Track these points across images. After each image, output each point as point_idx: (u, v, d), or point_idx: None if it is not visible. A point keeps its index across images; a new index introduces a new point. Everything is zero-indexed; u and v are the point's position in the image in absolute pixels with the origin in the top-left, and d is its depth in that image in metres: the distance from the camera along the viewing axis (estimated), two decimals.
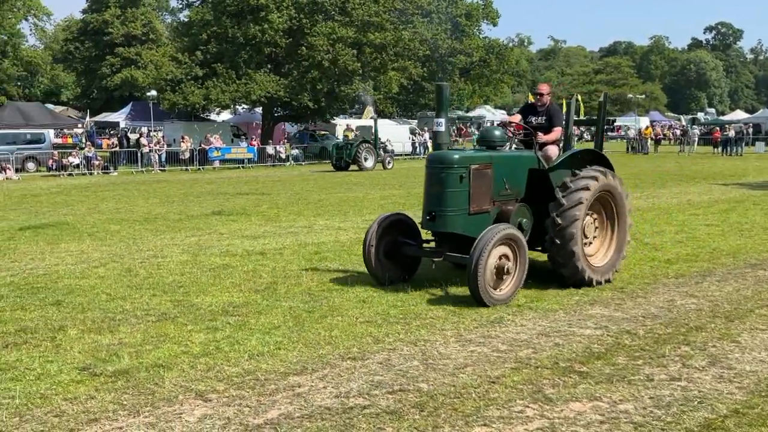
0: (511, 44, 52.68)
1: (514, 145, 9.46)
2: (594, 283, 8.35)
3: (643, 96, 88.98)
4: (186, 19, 45.31)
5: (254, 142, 40.43)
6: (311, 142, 44.33)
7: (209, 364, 5.71)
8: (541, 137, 8.89)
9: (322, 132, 46.70)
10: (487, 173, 8.18)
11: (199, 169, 35.42)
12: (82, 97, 66.70)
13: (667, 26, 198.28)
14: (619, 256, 8.90)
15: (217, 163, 36.59)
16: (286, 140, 43.75)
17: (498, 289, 7.63)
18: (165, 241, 12.10)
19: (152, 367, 5.61)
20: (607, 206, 8.87)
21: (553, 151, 8.89)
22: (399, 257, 8.65)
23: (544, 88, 9.37)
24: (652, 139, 50.00)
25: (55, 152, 34.03)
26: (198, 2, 45.44)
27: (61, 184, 26.61)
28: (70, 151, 34.87)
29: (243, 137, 43.87)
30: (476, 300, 7.47)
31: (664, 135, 60.05)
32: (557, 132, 9.03)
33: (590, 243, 8.71)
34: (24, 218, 15.63)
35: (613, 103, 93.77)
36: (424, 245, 8.72)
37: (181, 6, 50.86)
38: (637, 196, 18.93)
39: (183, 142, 36.96)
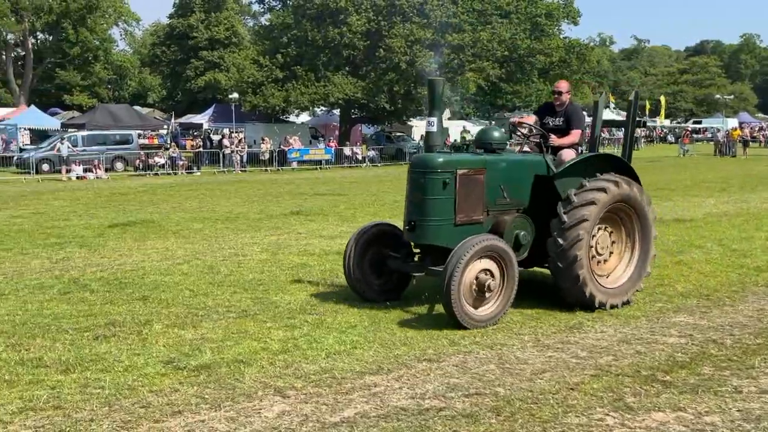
0: (592, 44, 51.51)
1: (527, 148, 8.44)
2: (597, 304, 7.37)
3: (732, 96, 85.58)
4: (267, 23, 46.27)
5: (332, 144, 40.94)
6: (387, 143, 44.51)
7: (287, 361, 5.82)
8: (554, 140, 8.00)
9: (398, 133, 46.79)
10: (478, 179, 7.33)
11: (278, 169, 36.10)
12: (167, 99, 68.99)
13: (759, 24, 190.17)
14: (641, 273, 7.84)
15: (295, 164, 37.22)
16: (362, 142, 44.11)
17: (479, 309, 6.83)
18: (245, 240, 12.38)
19: (233, 363, 5.75)
20: (627, 218, 7.83)
21: (568, 155, 7.93)
22: (384, 271, 7.87)
23: (562, 86, 8.46)
24: (740, 141, 48.01)
25: (142, 152, 35.30)
26: (279, 6, 46.35)
27: (147, 184, 27.60)
28: (155, 151, 36.12)
29: (321, 139, 44.48)
30: (451, 319, 6.71)
31: (754, 137, 57.58)
32: (575, 135, 8.13)
33: (605, 260, 7.75)
34: (113, 216, 16.28)
35: (699, 104, 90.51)
36: (414, 258, 7.84)
37: (262, 10, 51.89)
38: (725, 201, 18.22)
39: (263, 143, 37.77)
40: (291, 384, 5.32)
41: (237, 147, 37.02)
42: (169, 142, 42.47)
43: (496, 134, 7.82)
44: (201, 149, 39.07)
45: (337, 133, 45.61)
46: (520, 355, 6.06)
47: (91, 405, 4.89)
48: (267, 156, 36.78)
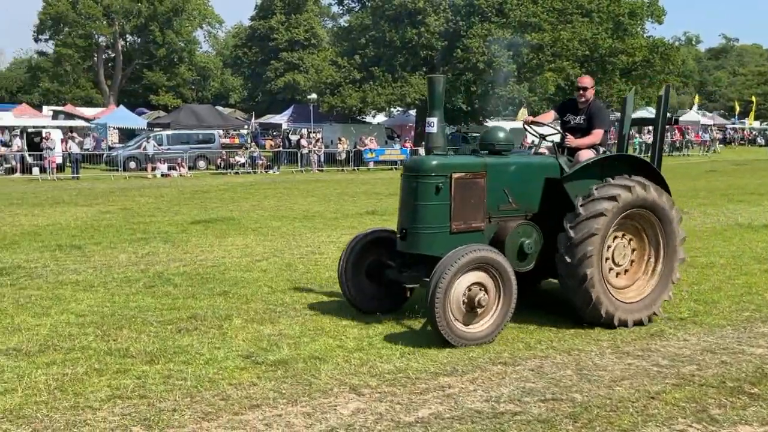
0: (677, 43, 49.88)
1: (544, 150, 7.77)
2: (616, 323, 6.74)
3: None
4: (346, 24, 46.76)
5: (407, 144, 41.02)
6: (463, 144, 44.30)
7: (363, 359, 5.87)
8: (571, 140, 7.44)
9: (475, 134, 46.48)
10: (477, 183, 6.78)
11: (354, 169, 36.43)
12: (248, 99, 70.59)
13: None
14: (661, 293, 7.10)
15: (371, 164, 37.48)
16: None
17: (470, 326, 6.28)
18: (322, 238, 12.55)
19: (309, 359, 5.84)
20: (648, 225, 7.13)
21: (587, 157, 7.28)
22: (383, 281, 7.33)
23: (586, 81, 7.78)
24: None
25: (224, 152, 36.24)
26: (358, 8, 46.76)
27: (228, 182, 28.31)
28: (236, 150, 37.01)
29: (396, 139, 44.64)
30: (437, 338, 6.18)
31: None
32: (596, 135, 7.47)
33: (621, 272, 7.12)
34: (195, 213, 16.78)
35: None
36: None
37: (341, 12, 52.54)
38: None
39: (340, 143, 38.20)
40: (366, 382, 5.37)
41: (314, 147, 37.54)
42: (249, 141, 43.45)
43: (501, 135, 7.25)
44: (280, 149, 39.77)
45: (412, 133, 45.68)
46: (599, 361, 5.94)
47: (174, 395, 5.06)
48: (343, 156, 37.17)
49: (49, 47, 66.79)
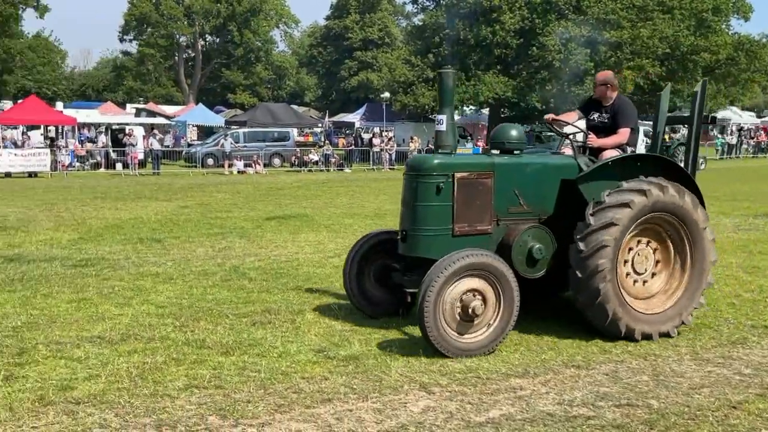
0: (765, 40, 47.82)
1: (566, 149, 7.31)
2: (638, 337, 6.32)
3: None
4: (420, 23, 46.77)
5: (479, 143, 40.71)
6: (536, 143, 43.69)
7: (433, 358, 5.86)
8: (594, 140, 7.03)
9: (549, 133, 45.79)
10: (483, 184, 6.44)
11: None
12: (322, 98, 71.51)
13: None
14: (690, 302, 6.60)
15: None
16: None
17: (465, 335, 5.91)
18: None
19: (380, 356, 5.88)
20: (674, 233, 6.64)
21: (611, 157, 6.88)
22: (390, 286, 7.05)
23: (603, 77, 7.35)
24: None
25: (298, 149, 36.82)
26: (432, 6, 46.70)
27: (301, 179, 28.73)
28: (310, 148, 37.55)
29: (469, 138, 44.38)
30: (428, 347, 5.85)
31: None
32: (621, 135, 7.05)
33: (644, 281, 6.63)
34: (270, 209, 17.10)
35: None
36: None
37: (416, 10, 52.56)
38: None
39: (412, 142, 38.25)
40: (436, 380, 5.37)
41: (386, 145, 37.70)
42: (323, 139, 43.98)
43: (513, 133, 6.84)
44: (352, 147, 40.11)
45: (485, 132, 45.33)
46: (677, 368, 5.76)
47: (248, 387, 5.17)
48: (415, 154, 37.24)
49: (132, 47, 69.27)
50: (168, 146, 36.48)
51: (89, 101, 59.93)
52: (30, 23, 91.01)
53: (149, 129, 38.07)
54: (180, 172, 32.02)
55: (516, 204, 6.60)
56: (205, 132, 44.49)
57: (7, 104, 50.42)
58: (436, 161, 6.45)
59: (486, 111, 46.12)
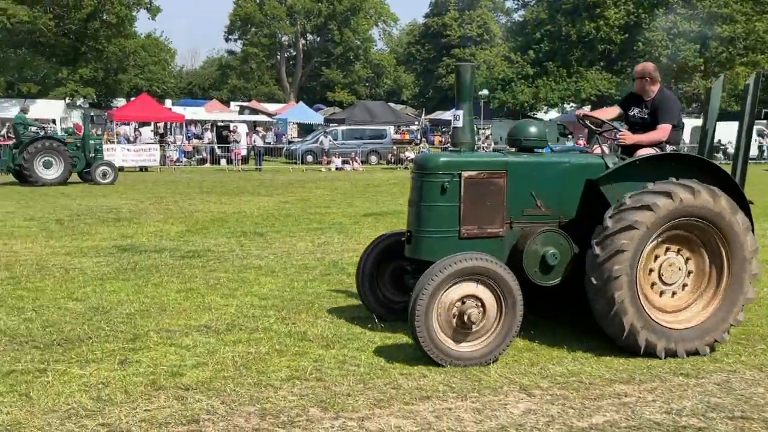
0: None
1: (603, 147, 6.77)
2: (661, 354, 5.75)
3: None
4: (520, 19, 46.12)
5: (580, 141, 39.73)
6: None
7: (533, 360, 5.77)
8: (626, 136, 6.57)
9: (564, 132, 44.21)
10: (494, 183, 6.04)
11: None
12: (419, 96, 71.66)
13: None
14: (726, 318, 5.96)
15: None
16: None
17: (462, 343, 5.59)
18: None
19: None
20: (709, 242, 6.01)
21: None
22: (403, 288, 6.69)
23: (641, 69, 6.79)
24: None
25: (394, 147, 37.05)
26: (533, 2, 45.95)
27: (397, 176, 28.87)
28: (406, 146, 37.71)
29: (569, 136, 43.38)
30: (422, 355, 5.54)
31: None
32: (660, 131, 6.51)
33: (673, 293, 6.05)
34: (367, 205, 17.28)
35: None
36: None
37: (516, 6, 51.88)
38: None
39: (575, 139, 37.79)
40: (536, 383, 5.27)
41: (484, 143, 37.35)
42: (419, 137, 44.05)
43: (532, 130, 6.39)
44: (448, 145, 39.97)
45: (586, 130, 44.22)
46: None
47: (348, 380, 5.24)
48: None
49: (237, 47, 71.49)
50: (270, 143, 37.46)
51: (196, 99, 62.35)
52: (142, 24, 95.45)
53: (252, 126, 39.21)
54: (281, 168, 32.83)
55: (532, 206, 6.17)
56: (305, 129, 45.47)
57: (121, 102, 53.16)
58: (441, 159, 6.14)
59: (588, 108, 45.01)
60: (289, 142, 40.26)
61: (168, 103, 48.19)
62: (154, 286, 8.18)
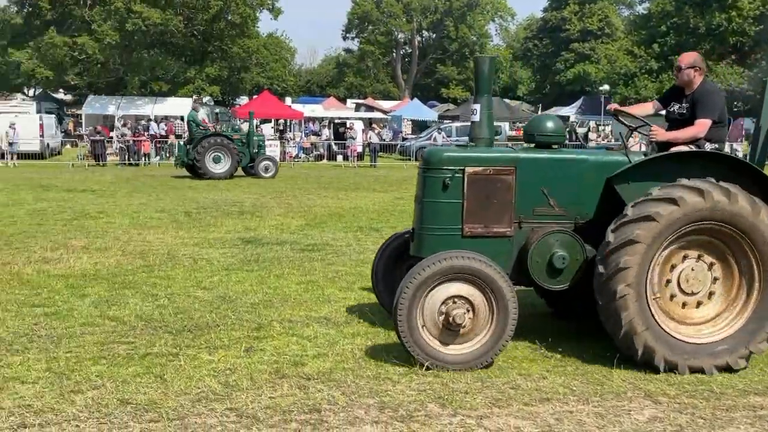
0: None
1: (642, 144, 6.31)
2: (683, 371, 5.32)
3: None
4: (645, 12, 44.36)
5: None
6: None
7: None
8: (658, 132, 6.11)
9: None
10: (502, 180, 5.71)
11: None
12: (535, 92, 70.29)
13: None
14: (757, 331, 5.41)
15: None
16: (744, 138, 39.95)
17: (451, 345, 5.36)
18: None
19: (600, 359, 5.66)
20: (739, 250, 5.46)
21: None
22: None
23: (684, 59, 6.20)
24: None
25: (509, 144, 36.55)
26: None
27: None
28: (521, 143, 37.11)
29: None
30: (408, 355, 5.36)
31: None
32: (697, 127, 5.96)
33: (698, 302, 5.55)
34: None
35: None
36: None
37: None
38: None
39: (634, 136, 36.43)
40: (663, 390, 5.07)
41: (603, 141, 36.26)
42: (647, 137, 43.25)
43: (549, 125, 6.00)
44: (566, 141, 39.01)
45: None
46: None
47: (466, 378, 5.22)
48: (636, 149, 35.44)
49: (354, 45, 72.64)
50: (384, 140, 37.88)
51: (314, 96, 63.88)
52: (265, 24, 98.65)
53: (368, 123, 39.77)
54: (395, 164, 33.12)
55: (544, 204, 5.80)
56: (419, 126, 45.63)
57: (243, 99, 55.21)
58: (445, 154, 5.90)
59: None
60: (404, 139, 40.53)
61: (288, 100, 49.64)
62: (276, 277, 8.46)
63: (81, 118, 45.89)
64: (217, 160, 23.25)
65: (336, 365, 5.44)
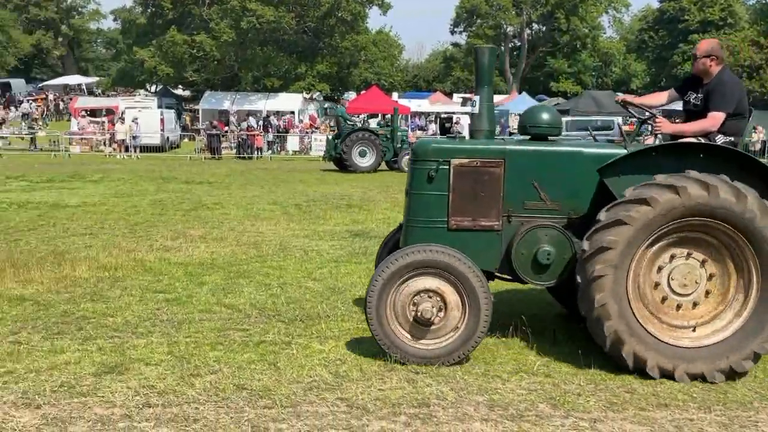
0: None
1: (654, 138, 6.10)
2: (682, 378, 5.03)
3: None
4: None
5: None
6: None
7: None
8: (662, 124, 5.80)
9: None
10: (490, 173, 5.56)
11: None
12: (650, 85, 67.54)
13: None
14: (753, 338, 5.06)
15: None
16: None
17: (422, 340, 5.29)
18: None
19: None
20: (732, 244, 5.12)
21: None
22: None
23: (701, 47, 5.82)
24: None
25: (621, 139, 35.31)
26: None
27: None
28: (637, 138, 35.78)
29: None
30: (379, 348, 5.31)
31: None
32: (709, 120, 5.57)
33: (693, 303, 5.21)
34: None
35: None
36: None
37: None
38: None
39: (755, 131, 34.40)
40: None
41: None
42: (650, 128, 41.66)
43: (543, 116, 5.80)
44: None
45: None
46: None
47: (578, 379, 5.11)
48: (758, 146, 33.45)
49: (462, 39, 72.17)
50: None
51: (420, 91, 63.93)
52: (374, 20, 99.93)
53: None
54: None
55: (535, 198, 5.61)
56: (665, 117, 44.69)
57: (351, 95, 55.98)
58: (431, 145, 5.84)
59: None
60: (510, 134, 39.94)
61: (395, 95, 49.91)
62: None
63: (198, 113, 47.85)
64: (362, 154, 24.36)
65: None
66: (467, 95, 53.96)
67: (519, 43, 70.68)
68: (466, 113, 40.38)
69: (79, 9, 75.96)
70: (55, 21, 71.70)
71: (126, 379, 4.95)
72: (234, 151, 33.14)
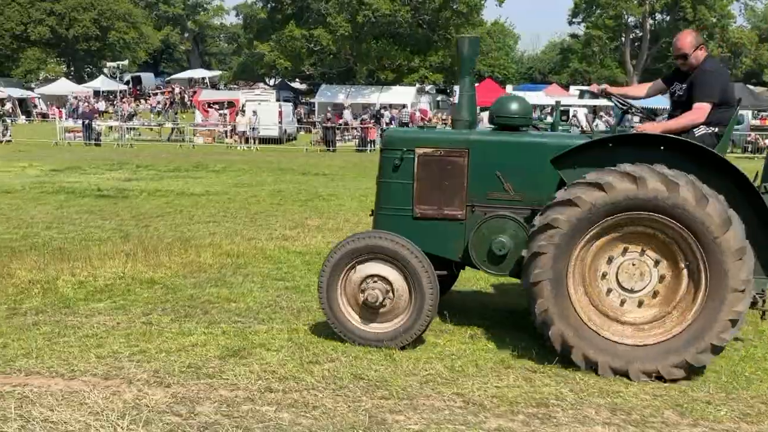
0: None
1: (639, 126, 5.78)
2: (606, 371, 4.90)
3: None
4: None
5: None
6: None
7: None
8: (647, 128, 5.52)
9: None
10: (453, 162, 5.60)
11: None
12: None
13: None
14: (704, 333, 4.77)
15: None
16: None
17: (372, 323, 5.48)
18: None
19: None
20: (686, 246, 4.85)
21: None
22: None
23: (684, 41, 5.54)
24: None
25: (752, 134, 33.32)
26: None
27: (748, 167, 25.92)
28: (766, 133, 33.69)
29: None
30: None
31: None
32: (695, 112, 5.31)
33: (638, 302, 5.03)
34: None
35: None
36: None
37: None
38: None
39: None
40: None
41: None
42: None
43: (513, 107, 5.70)
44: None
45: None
46: None
47: (707, 387, 4.88)
48: None
49: (580, 30, 70.17)
50: (608, 129, 36.27)
51: (535, 84, 62.72)
52: (490, 11, 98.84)
53: (592, 110, 38.30)
54: None
55: (498, 189, 5.58)
56: (649, 113, 43.08)
57: None
58: (397, 135, 6.12)
59: None
60: (631, 128, 38.53)
61: (509, 88, 49.19)
62: None
63: (314, 106, 48.95)
64: None
65: (561, 360, 5.28)
66: (584, 87, 52.48)
67: (641, 34, 67.96)
68: (583, 106, 39.29)
69: (204, 5, 79.43)
70: (182, 17, 75.32)
71: (249, 363, 5.12)
72: (353, 143, 33.66)
